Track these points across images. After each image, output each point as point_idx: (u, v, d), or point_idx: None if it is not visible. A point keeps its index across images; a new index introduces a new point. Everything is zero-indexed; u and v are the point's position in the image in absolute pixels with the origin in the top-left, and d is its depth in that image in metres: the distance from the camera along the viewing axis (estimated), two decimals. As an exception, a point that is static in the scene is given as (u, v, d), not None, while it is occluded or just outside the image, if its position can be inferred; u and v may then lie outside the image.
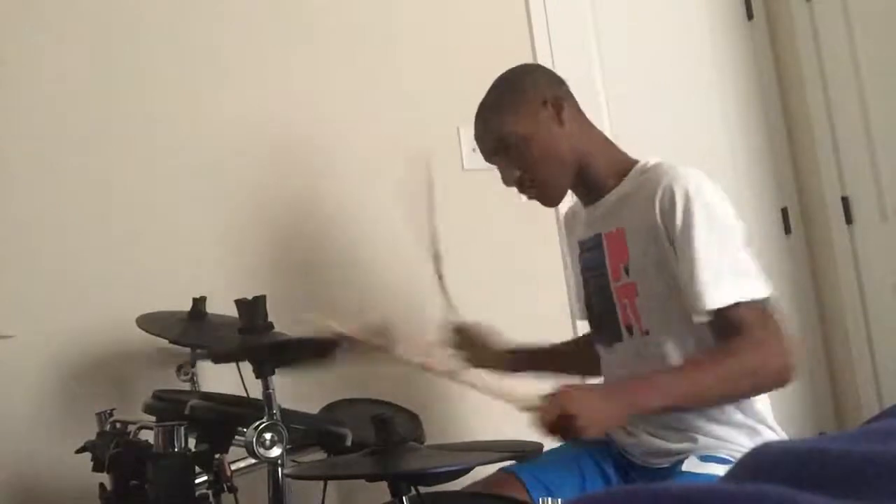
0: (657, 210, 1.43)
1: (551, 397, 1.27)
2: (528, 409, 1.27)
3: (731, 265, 1.39)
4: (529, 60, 2.51)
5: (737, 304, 1.37)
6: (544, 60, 2.51)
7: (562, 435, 1.29)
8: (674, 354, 1.47)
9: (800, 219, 2.87)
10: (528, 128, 1.52)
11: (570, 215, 1.78)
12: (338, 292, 2.21)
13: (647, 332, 1.49)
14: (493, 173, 1.55)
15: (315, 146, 2.23)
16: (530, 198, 1.59)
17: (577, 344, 1.85)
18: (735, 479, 0.42)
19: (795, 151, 2.92)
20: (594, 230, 1.59)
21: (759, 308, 1.38)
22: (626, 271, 1.51)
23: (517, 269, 2.33)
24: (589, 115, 1.65)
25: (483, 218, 2.37)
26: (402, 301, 2.25)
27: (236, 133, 2.14)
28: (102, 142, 2.02)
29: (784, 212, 2.85)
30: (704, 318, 1.39)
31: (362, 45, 2.32)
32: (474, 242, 2.35)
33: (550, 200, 1.60)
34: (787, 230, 2.83)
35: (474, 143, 1.59)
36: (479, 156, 2.35)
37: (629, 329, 1.53)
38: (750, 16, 2.94)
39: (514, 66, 1.65)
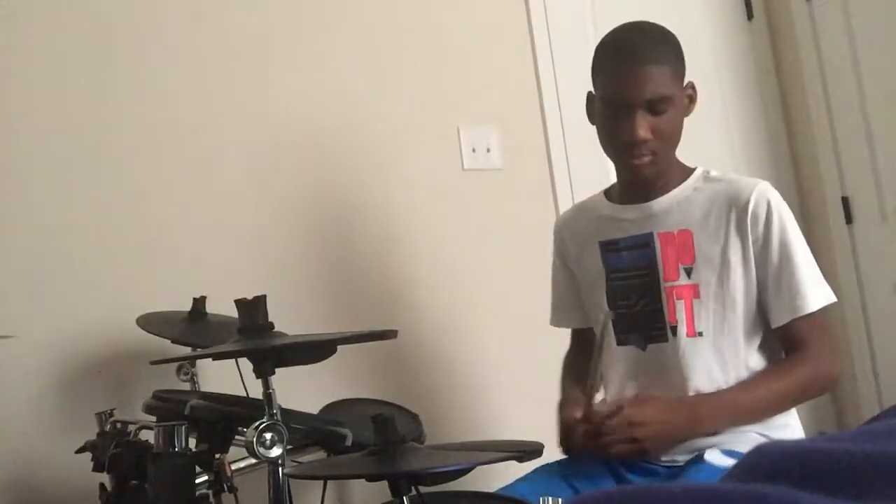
0: (748, 218, 1.49)
1: (620, 418, 1.39)
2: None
3: (816, 273, 1.52)
4: (529, 60, 2.52)
5: (813, 312, 1.48)
6: (544, 60, 2.51)
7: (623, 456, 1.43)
8: (718, 359, 1.50)
9: (800, 219, 2.85)
10: (679, 100, 1.53)
11: (576, 220, 1.73)
12: (337, 292, 2.21)
13: (699, 334, 1.50)
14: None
15: (314, 147, 2.23)
16: (640, 164, 1.51)
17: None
18: (735, 479, 0.42)
19: (795, 151, 2.92)
20: (641, 229, 1.57)
21: (823, 316, 1.50)
22: (687, 272, 1.52)
23: (517, 268, 2.33)
24: (589, 115, 1.65)
25: (483, 218, 2.37)
26: (402, 300, 2.26)
27: (235, 134, 2.15)
28: (103, 142, 2.02)
29: (784, 212, 2.84)
30: (785, 320, 1.49)
31: (362, 46, 2.32)
32: (474, 242, 2.35)
33: (655, 174, 1.55)
34: (787, 230, 2.82)
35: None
36: (479, 156, 2.37)
37: (674, 330, 1.53)
38: (750, 16, 2.94)
39: (637, 26, 1.60)
